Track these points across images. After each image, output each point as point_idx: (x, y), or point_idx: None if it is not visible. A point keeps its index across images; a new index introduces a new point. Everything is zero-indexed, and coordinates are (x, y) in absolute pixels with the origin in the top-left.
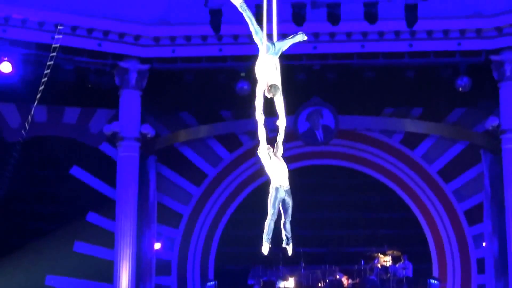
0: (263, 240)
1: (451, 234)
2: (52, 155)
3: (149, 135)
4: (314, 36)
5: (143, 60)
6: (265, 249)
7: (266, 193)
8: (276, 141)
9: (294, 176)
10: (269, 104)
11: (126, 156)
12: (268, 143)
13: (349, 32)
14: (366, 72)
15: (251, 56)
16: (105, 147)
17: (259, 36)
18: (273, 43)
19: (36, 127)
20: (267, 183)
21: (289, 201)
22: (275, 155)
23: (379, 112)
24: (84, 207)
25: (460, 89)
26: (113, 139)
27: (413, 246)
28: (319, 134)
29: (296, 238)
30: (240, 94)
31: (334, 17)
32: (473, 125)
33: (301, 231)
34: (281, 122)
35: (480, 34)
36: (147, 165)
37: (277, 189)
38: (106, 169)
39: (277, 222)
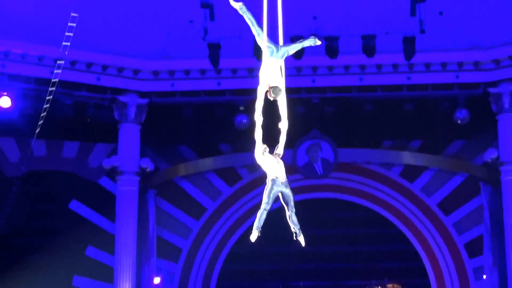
0: (253, 228)
1: (451, 267)
2: (51, 189)
3: (148, 169)
4: (312, 70)
5: (142, 94)
6: (253, 237)
7: (266, 227)
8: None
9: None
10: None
11: (126, 190)
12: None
13: (348, 65)
14: (365, 105)
15: (250, 90)
16: (104, 181)
17: (261, 38)
18: (277, 46)
19: (35, 161)
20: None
21: (289, 193)
22: (274, 156)
23: (378, 145)
24: (83, 242)
25: (459, 121)
26: (112, 173)
27: (413, 279)
28: (318, 167)
29: (296, 272)
30: (239, 128)
31: (332, 51)
32: (472, 158)
33: (301, 264)
34: (283, 125)
35: (478, 67)
36: (146, 199)
37: (273, 180)
38: (105, 203)
39: (282, 257)
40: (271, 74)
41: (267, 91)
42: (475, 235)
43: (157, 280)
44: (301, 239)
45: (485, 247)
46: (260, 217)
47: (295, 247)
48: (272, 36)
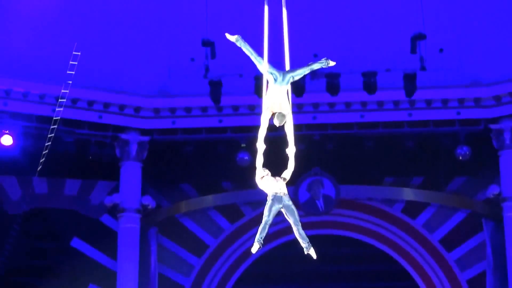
0: (255, 240)
1: None
2: (53, 227)
3: (150, 207)
4: (313, 107)
5: (143, 132)
6: (255, 249)
7: (267, 264)
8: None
9: (295, 247)
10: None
11: (127, 228)
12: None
13: (349, 102)
14: (366, 142)
15: (251, 127)
16: (106, 219)
17: (263, 66)
18: (280, 72)
19: (37, 199)
20: (269, 253)
21: (291, 206)
22: (274, 178)
23: (380, 182)
24: (85, 279)
25: (460, 157)
26: (114, 211)
27: None
28: (320, 204)
29: None
30: (240, 165)
31: (333, 88)
32: (474, 194)
33: None
34: (291, 150)
35: (479, 103)
36: (148, 236)
37: (274, 196)
38: (107, 241)
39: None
40: (277, 101)
41: (272, 118)
42: (478, 271)
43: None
44: (312, 252)
45: (488, 284)
46: (262, 230)
47: (298, 285)
48: (277, 63)
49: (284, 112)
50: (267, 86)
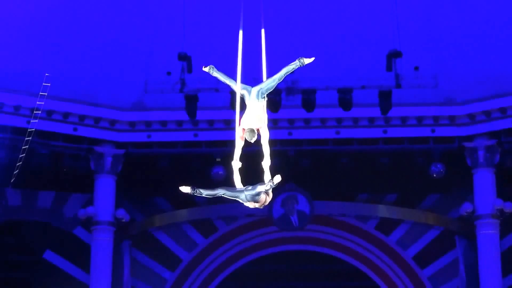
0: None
1: None
2: (26, 239)
3: (123, 220)
4: (289, 122)
5: (118, 145)
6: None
7: (240, 280)
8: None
9: (269, 262)
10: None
11: (101, 241)
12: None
13: (324, 118)
14: (341, 158)
15: (227, 141)
16: (79, 232)
17: (236, 87)
18: (251, 88)
19: (10, 211)
20: (242, 269)
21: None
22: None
23: (354, 198)
24: None
25: (434, 175)
26: (87, 224)
27: None
28: (294, 220)
29: None
30: (215, 179)
31: (309, 104)
32: (448, 211)
33: None
34: (266, 163)
35: (453, 121)
36: (121, 249)
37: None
38: (80, 254)
39: None
40: (252, 117)
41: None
42: None
43: None
44: (275, 179)
45: None
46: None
47: None
48: (254, 79)
49: (259, 127)
50: (240, 103)
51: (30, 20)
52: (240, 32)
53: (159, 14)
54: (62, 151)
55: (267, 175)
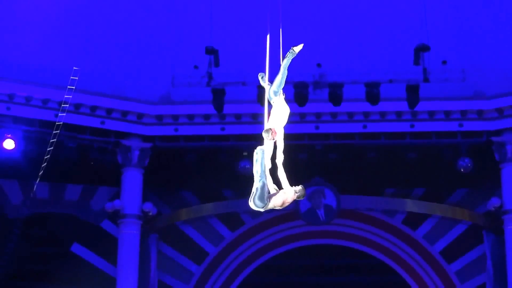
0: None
1: None
2: (53, 232)
3: (150, 213)
4: (316, 116)
5: (145, 138)
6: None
7: (267, 274)
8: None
9: (295, 256)
10: None
11: (128, 234)
12: None
13: (351, 112)
14: (368, 152)
15: (254, 135)
16: (106, 225)
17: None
18: (268, 91)
19: (38, 204)
20: (268, 263)
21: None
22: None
23: (381, 192)
24: (84, 285)
25: (462, 170)
26: (114, 217)
27: None
28: (321, 214)
29: None
30: (242, 173)
31: (336, 98)
32: (475, 206)
33: None
34: (279, 159)
35: (481, 116)
36: (148, 243)
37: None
38: (107, 247)
39: None
40: (273, 115)
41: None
42: (478, 283)
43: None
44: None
45: None
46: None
47: None
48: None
49: (277, 125)
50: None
51: (59, 15)
52: (268, 37)
53: (187, 8)
54: (89, 145)
55: (281, 171)
